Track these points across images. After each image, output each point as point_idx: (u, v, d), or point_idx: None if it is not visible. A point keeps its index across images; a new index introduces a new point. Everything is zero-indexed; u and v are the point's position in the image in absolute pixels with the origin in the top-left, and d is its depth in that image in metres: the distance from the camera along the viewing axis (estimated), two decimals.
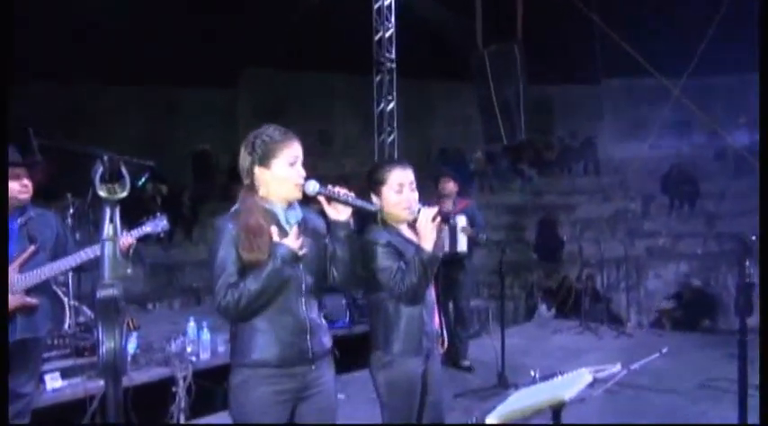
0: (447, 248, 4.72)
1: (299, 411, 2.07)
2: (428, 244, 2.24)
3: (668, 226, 10.20)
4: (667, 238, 9.85)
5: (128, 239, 2.90)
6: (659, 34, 9.96)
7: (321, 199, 2.05)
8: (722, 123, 10.95)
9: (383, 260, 2.31)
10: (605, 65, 11.48)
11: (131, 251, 2.90)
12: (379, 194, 2.42)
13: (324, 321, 2.18)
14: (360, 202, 2.07)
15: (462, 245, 4.91)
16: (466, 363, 5.15)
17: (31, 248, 2.85)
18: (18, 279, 2.80)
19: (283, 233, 2.03)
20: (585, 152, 13.48)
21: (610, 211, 10.75)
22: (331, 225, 2.08)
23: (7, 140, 2.68)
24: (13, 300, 2.78)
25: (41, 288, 2.90)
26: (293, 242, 1.99)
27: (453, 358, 5.07)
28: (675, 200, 10.76)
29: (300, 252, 2.00)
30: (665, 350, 1.93)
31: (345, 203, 2.04)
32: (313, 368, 2.07)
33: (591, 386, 1.78)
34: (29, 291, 2.83)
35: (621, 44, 7.71)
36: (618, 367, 1.84)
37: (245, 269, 1.98)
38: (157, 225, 3.02)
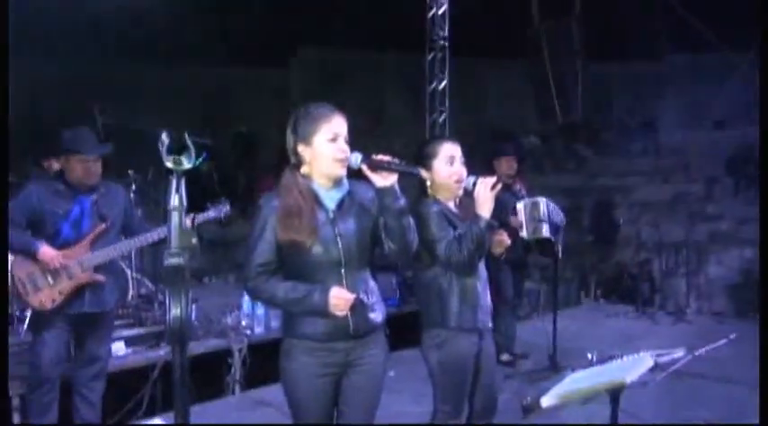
0: (527, 233, 4.41)
1: (342, 385, 2.10)
2: (485, 212, 2.24)
3: (732, 209, 9.72)
4: (731, 222, 9.40)
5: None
6: (727, 6, 9.39)
7: (365, 169, 2.02)
8: None
9: (437, 230, 2.32)
10: (668, 40, 10.94)
11: (195, 223, 3.04)
12: (429, 168, 2.40)
13: (374, 297, 2.12)
14: (405, 167, 2.04)
15: (545, 230, 4.48)
16: (505, 357, 4.69)
17: (102, 226, 3.00)
18: (89, 257, 2.96)
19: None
20: (645, 132, 12.93)
21: (670, 194, 10.32)
22: (378, 194, 2.04)
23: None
24: (83, 277, 2.94)
25: (109, 264, 3.06)
26: (339, 305, 1.96)
27: (499, 348, 4.62)
28: (741, 183, 10.23)
29: (339, 313, 1.97)
30: (732, 336, 1.84)
31: (390, 169, 2.00)
32: (357, 344, 2.06)
33: (652, 370, 1.72)
34: (98, 267, 2.98)
35: (686, 17, 7.33)
36: (680, 352, 1.78)
37: (281, 248, 2.01)
38: (220, 210, 3.16)
